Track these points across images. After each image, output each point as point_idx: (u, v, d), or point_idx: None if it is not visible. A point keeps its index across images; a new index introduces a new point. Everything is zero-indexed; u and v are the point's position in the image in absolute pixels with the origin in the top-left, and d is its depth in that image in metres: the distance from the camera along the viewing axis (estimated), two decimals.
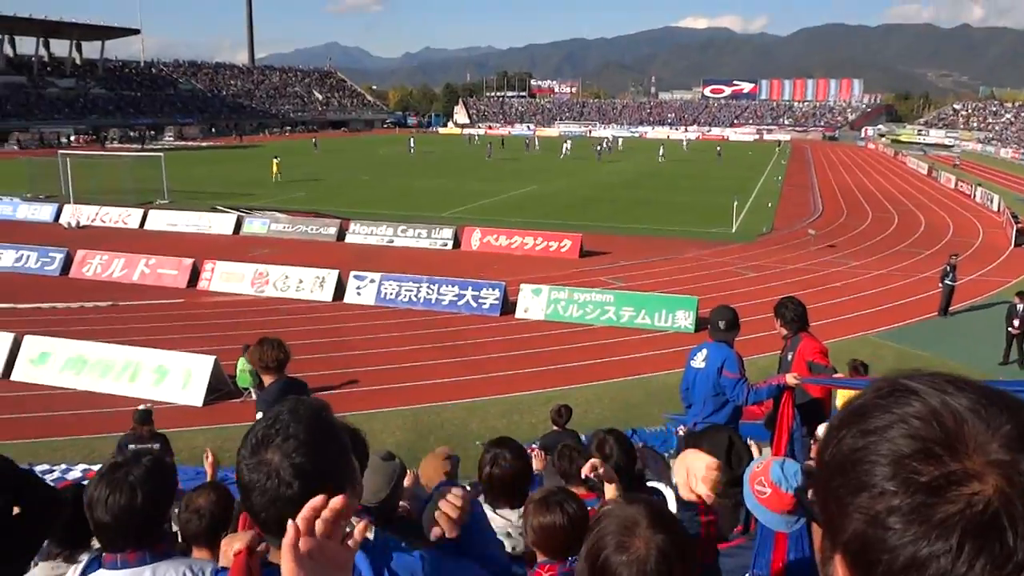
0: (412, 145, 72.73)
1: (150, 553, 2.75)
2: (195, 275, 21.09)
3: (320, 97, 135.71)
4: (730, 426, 6.09)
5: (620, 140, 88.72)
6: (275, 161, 46.80)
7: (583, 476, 3.41)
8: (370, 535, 1.39)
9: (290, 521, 1.30)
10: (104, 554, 2.79)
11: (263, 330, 11.57)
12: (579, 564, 1.84)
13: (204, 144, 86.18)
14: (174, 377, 13.25)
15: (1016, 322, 15.31)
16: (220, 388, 13.29)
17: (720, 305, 6.98)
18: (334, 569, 1.32)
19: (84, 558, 3.25)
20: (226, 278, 20.80)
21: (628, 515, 1.84)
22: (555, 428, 8.54)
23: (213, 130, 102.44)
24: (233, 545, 1.44)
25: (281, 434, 1.66)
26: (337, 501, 1.33)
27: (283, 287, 20.11)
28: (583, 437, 7.40)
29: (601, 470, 3.41)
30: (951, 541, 0.69)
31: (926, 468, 0.72)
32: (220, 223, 29.80)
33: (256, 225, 29.42)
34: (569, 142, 72.15)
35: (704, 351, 6.70)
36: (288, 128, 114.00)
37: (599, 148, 69.20)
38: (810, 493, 0.91)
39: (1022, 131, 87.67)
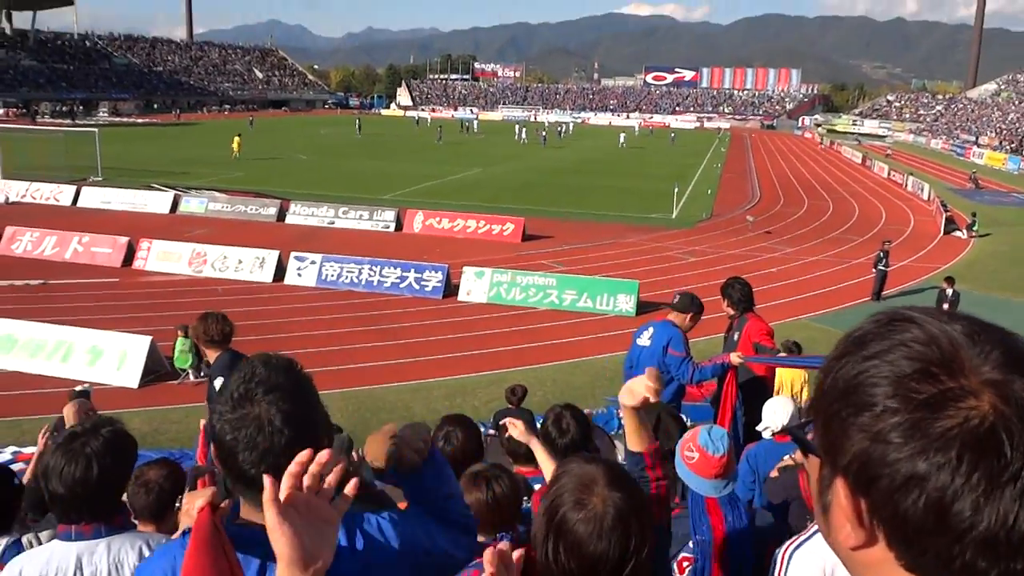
0: (359, 126, 71.77)
1: (106, 526, 2.69)
2: (130, 254, 20.55)
3: (260, 76, 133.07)
4: (670, 404, 6.17)
5: (571, 125, 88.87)
6: (236, 138, 45.62)
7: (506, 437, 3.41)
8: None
9: (266, 476, 1.27)
10: (58, 525, 2.72)
11: (202, 311, 11.32)
12: (536, 520, 1.85)
13: (140, 121, 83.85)
14: (109, 358, 12.90)
15: (945, 306, 15.84)
16: (156, 369, 12.99)
17: (686, 291, 7.08)
18: (320, 525, 1.30)
19: (4, 541, 3.17)
20: (163, 257, 20.32)
21: (586, 473, 1.85)
22: (509, 407, 8.54)
23: (156, 106, 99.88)
24: (195, 502, 1.41)
25: (263, 386, 1.64)
26: (324, 454, 1.31)
27: (222, 267, 19.73)
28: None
29: (518, 433, 3.42)
30: (950, 454, 0.71)
31: (924, 387, 0.75)
32: (156, 201, 29.05)
33: (194, 204, 28.75)
34: (525, 129, 71.92)
35: (650, 329, 6.75)
36: (227, 106, 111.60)
37: (544, 133, 69.17)
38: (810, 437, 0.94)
39: (951, 123, 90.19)
